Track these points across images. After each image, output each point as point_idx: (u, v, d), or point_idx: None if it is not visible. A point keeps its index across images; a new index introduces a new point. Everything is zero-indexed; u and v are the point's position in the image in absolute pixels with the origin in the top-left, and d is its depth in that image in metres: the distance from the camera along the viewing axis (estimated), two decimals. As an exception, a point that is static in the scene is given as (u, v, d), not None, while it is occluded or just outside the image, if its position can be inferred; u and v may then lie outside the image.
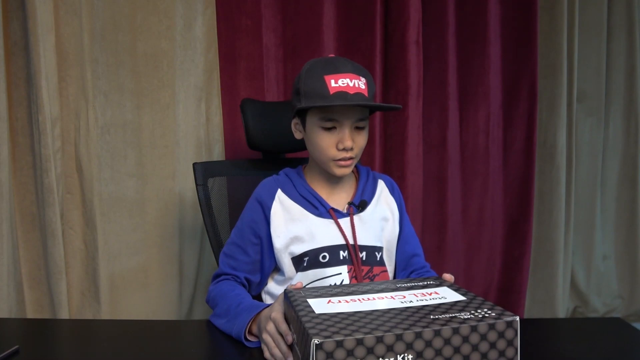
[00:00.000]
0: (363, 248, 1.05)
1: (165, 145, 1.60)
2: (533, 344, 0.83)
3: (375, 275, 1.06)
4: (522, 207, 2.01)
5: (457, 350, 0.60)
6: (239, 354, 0.84)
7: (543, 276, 2.06)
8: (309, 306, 0.68)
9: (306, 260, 1.02)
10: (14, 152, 1.42)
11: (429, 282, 0.79)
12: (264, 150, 1.41)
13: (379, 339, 0.57)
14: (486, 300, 0.68)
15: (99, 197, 1.51)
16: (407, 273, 1.14)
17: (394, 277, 1.15)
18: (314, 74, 0.99)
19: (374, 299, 0.71)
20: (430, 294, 0.72)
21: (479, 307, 0.65)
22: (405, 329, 0.59)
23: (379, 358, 0.57)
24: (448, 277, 0.84)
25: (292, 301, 0.71)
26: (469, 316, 0.62)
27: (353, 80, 0.98)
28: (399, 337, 0.58)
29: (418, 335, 0.58)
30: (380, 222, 1.10)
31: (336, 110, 0.98)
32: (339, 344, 0.57)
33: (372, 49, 1.74)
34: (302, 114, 1.04)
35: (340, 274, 1.01)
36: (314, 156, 1.06)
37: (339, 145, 0.99)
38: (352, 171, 1.12)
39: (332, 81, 0.97)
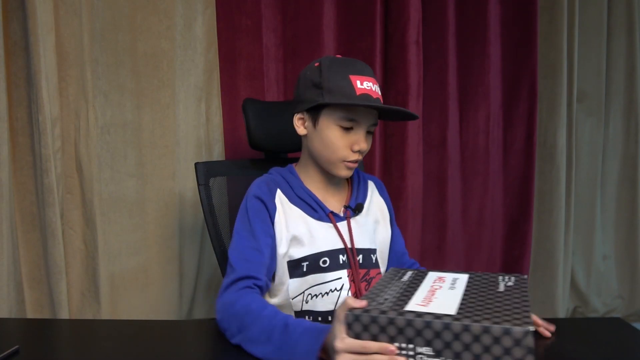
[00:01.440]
0: (360, 251, 1.04)
1: (165, 145, 1.60)
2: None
3: (372, 277, 1.06)
4: (522, 207, 2.01)
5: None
6: (239, 355, 0.84)
7: (543, 276, 2.06)
8: (410, 311, 0.67)
9: (305, 266, 1.00)
10: (14, 152, 1.42)
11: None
12: (266, 150, 1.41)
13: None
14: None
15: (99, 197, 1.51)
16: None
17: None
18: (338, 71, 0.97)
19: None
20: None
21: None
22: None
23: None
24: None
25: (377, 317, 0.66)
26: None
27: (374, 85, 0.98)
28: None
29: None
30: (374, 224, 1.10)
31: (359, 111, 0.97)
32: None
33: (372, 49, 1.74)
34: (314, 109, 0.99)
35: (341, 278, 1.01)
36: (321, 154, 1.02)
37: (354, 146, 0.98)
38: None
39: (358, 82, 0.96)
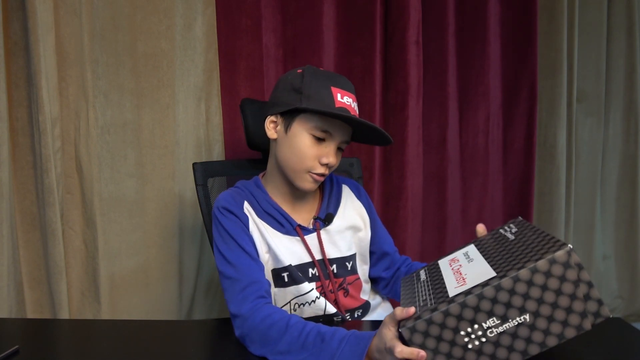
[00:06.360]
0: (333, 261, 1.03)
1: (165, 145, 1.60)
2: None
3: (349, 283, 1.06)
4: (522, 207, 2.01)
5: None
6: (238, 355, 0.84)
7: (543, 276, 2.06)
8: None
9: (286, 276, 0.99)
10: (14, 152, 1.42)
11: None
12: (264, 150, 1.41)
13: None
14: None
15: (99, 197, 1.51)
16: (393, 271, 1.15)
17: (372, 277, 1.15)
18: (320, 80, 0.95)
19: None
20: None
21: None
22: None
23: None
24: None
25: (431, 316, 0.63)
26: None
27: (354, 103, 0.98)
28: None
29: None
30: (350, 229, 1.08)
31: (334, 125, 0.96)
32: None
33: (372, 49, 1.74)
34: (289, 114, 0.98)
35: (313, 290, 1.00)
36: (287, 162, 0.99)
37: (323, 159, 0.96)
38: None
39: (339, 95, 0.95)
